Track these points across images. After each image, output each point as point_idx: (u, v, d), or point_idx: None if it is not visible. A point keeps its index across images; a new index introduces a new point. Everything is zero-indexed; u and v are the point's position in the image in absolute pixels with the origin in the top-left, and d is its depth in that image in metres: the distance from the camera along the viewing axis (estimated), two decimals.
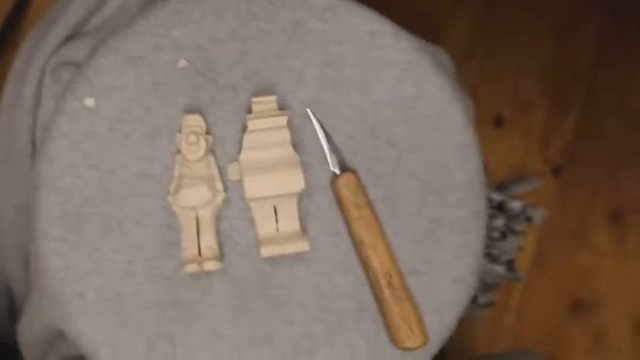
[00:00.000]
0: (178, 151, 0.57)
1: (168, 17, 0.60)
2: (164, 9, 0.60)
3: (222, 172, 0.58)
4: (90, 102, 0.59)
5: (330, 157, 0.59)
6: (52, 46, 0.70)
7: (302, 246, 0.56)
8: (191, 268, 0.55)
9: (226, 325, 0.57)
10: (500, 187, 1.11)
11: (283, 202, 0.57)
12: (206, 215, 0.56)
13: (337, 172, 0.58)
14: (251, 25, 0.61)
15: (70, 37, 0.71)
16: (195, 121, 0.57)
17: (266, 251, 0.56)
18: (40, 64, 0.69)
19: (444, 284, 0.59)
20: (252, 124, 0.57)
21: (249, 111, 0.59)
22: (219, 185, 0.57)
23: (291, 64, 0.60)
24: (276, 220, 0.57)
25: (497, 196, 1.06)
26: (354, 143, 0.60)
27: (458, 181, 0.60)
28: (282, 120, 0.57)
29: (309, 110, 0.59)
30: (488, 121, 1.17)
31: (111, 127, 0.58)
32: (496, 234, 1.05)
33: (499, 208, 1.07)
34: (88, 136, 0.58)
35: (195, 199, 0.56)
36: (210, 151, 0.58)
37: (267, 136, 0.57)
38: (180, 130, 0.58)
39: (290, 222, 0.57)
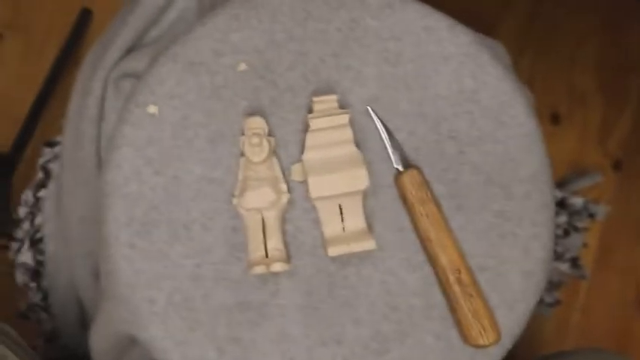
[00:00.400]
0: (242, 154, 0.57)
1: (226, 22, 0.61)
2: (222, 14, 0.61)
3: (285, 174, 0.58)
4: (152, 109, 0.59)
5: (393, 154, 0.58)
6: (114, 59, 0.71)
7: (369, 244, 0.56)
8: (259, 269, 0.55)
9: (295, 327, 0.56)
10: (561, 184, 1.09)
11: (348, 200, 0.57)
12: (271, 217, 0.56)
13: (401, 168, 0.58)
14: (308, 26, 0.61)
15: (130, 50, 0.73)
16: (257, 123, 0.57)
17: (333, 251, 0.55)
18: (102, 77, 0.71)
19: (513, 279, 0.58)
20: (314, 124, 0.57)
21: (310, 111, 0.58)
22: (284, 187, 0.57)
23: (350, 62, 0.60)
24: (342, 219, 0.57)
25: (558, 193, 1.04)
26: (415, 139, 0.59)
27: (523, 172, 0.59)
28: (344, 118, 0.57)
29: (369, 108, 0.59)
30: (545, 118, 1.15)
31: (174, 132, 0.59)
32: (559, 231, 1.03)
33: (561, 205, 1.05)
34: (152, 143, 0.59)
35: (261, 201, 0.56)
36: (273, 152, 0.58)
37: (329, 135, 0.57)
38: (242, 133, 0.58)
39: (356, 220, 0.57)
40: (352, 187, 0.56)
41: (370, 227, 0.58)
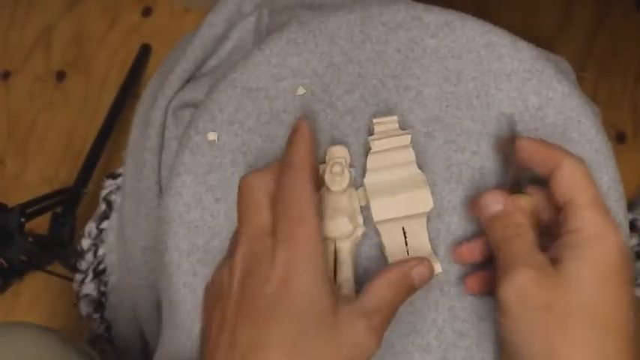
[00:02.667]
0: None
1: (284, 47, 0.61)
2: (279, 39, 0.61)
3: (362, 207, 0.57)
4: (212, 136, 0.59)
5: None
6: (173, 89, 0.72)
7: (434, 268, 0.54)
8: None
9: None
10: (630, 205, 1.05)
11: (412, 223, 0.55)
12: (345, 247, 0.54)
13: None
14: (366, 48, 0.60)
15: (189, 80, 0.73)
16: (340, 152, 0.57)
17: None
18: (162, 106, 0.71)
19: None
20: (375, 145, 0.56)
21: (371, 133, 0.57)
22: (360, 219, 0.56)
23: (409, 83, 0.59)
24: (406, 243, 0.55)
25: (628, 215, 1.01)
26: (479, 159, 0.58)
27: None
28: (406, 139, 0.56)
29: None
30: (610, 138, 1.11)
31: (234, 159, 0.59)
32: (630, 254, 0.99)
33: (630, 227, 1.01)
34: (212, 170, 0.59)
35: (337, 231, 0.54)
36: (353, 183, 0.57)
37: (390, 157, 0.56)
38: (324, 161, 0.57)
39: (420, 243, 0.55)
40: (416, 210, 0.54)
41: (435, 250, 0.56)
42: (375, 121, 0.57)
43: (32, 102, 1.37)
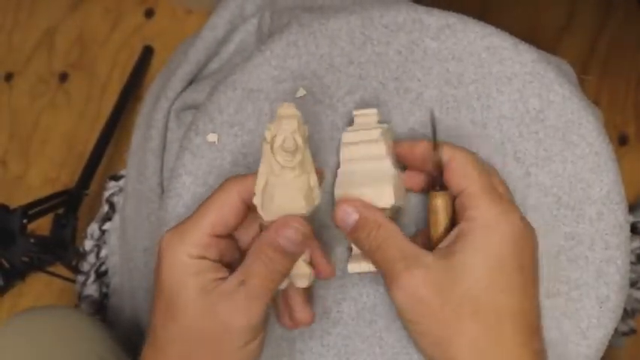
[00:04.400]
0: None
1: (284, 48, 0.61)
2: (279, 41, 0.61)
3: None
4: (212, 137, 0.59)
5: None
6: (175, 90, 0.72)
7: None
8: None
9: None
10: (632, 208, 1.05)
11: None
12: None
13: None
14: (367, 50, 0.60)
15: (191, 82, 0.73)
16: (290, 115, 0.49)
17: (352, 267, 0.52)
18: (164, 108, 0.72)
19: (587, 305, 0.55)
20: (346, 137, 0.55)
21: (351, 124, 0.56)
22: (317, 192, 0.53)
23: (410, 85, 0.59)
24: None
25: (629, 217, 1.00)
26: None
27: (594, 193, 0.57)
28: (376, 133, 0.54)
29: (432, 111, 0.55)
30: (613, 140, 1.11)
31: (233, 160, 0.59)
32: (632, 257, 0.99)
33: (633, 229, 1.01)
34: (212, 171, 0.59)
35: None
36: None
37: (363, 150, 0.54)
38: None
39: None
40: (376, 204, 0.51)
41: None
42: (355, 112, 0.56)
43: (35, 103, 1.37)
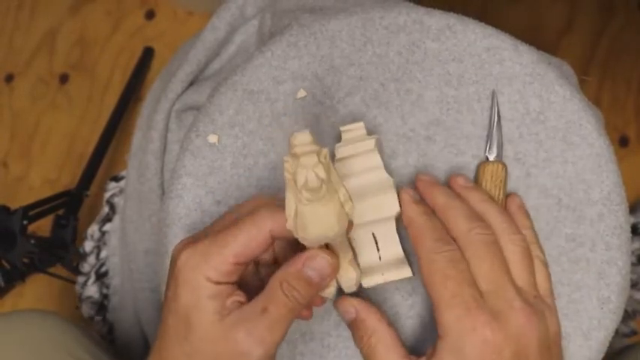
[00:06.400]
0: None
1: (284, 50, 0.61)
2: (280, 42, 0.61)
3: None
4: (213, 139, 0.59)
5: (491, 142, 0.58)
6: (176, 92, 0.72)
7: (405, 272, 0.52)
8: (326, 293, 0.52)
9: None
10: (632, 209, 1.04)
11: (381, 227, 0.53)
12: (335, 246, 0.54)
13: (491, 158, 0.57)
14: (367, 51, 0.60)
15: (192, 83, 0.73)
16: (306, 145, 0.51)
17: (367, 281, 0.52)
18: (165, 109, 0.72)
19: (588, 306, 0.55)
20: (339, 152, 0.55)
21: (339, 141, 0.56)
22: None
23: (410, 86, 0.59)
24: (378, 248, 0.53)
25: (629, 219, 1.00)
26: (480, 162, 0.58)
27: (595, 194, 0.57)
28: (370, 144, 0.54)
29: (494, 92, 0.59)
30: (613, 141, 1.11)
31: (234, 161, 0.59)
32: (633, 258, 0.99)
33: (633, 231, 1.01)
34: (213, 172, 0.59)
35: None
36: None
37: (357, 163, 0.54)
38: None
39: (392, 247, 0.53)
40: (383, 214, 0.53)
41: (408, 255, 0.54)
42: (342, 129, 0.56)
43: (35, 104, 1.37)
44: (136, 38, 1.38)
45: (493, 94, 0.58)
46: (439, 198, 0.52)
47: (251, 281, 0.50)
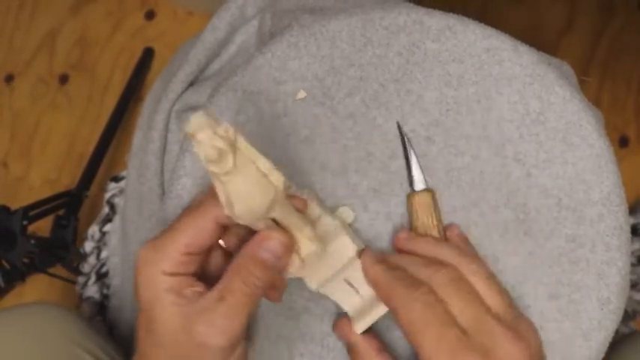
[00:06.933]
0: None
1: (285, 50, 0.61)
2: (280, 43, 0.61)
3: None
4: None
5: (412, 174, 0.57)
6: (176, 92, 0.72)
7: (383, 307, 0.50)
8: None
9: None
10: (632, 210, 1.04)
11: (350, 271, 0.51)
12: (285, 223, 0.49)
13: (415, 189, 0.57)
14: (367, 52, 0.60)
15: (192, 83, 0.73)
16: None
17: (358, 327, 0.51)
18: (165, 110, 0.72)
19: (588, 307, 0.56)
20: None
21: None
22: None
23: (410, 87, 0.59)
24: (356, 291, 0.51)
25: (630, 219, 1.00)
26: (480, 163, 0.58)
27: (595, 194, 0.57)
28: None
29: (398, 123, 0.58)
30: (613, 142, 1.11)
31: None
32: (632, 259, 0.99)
33: (632, 232, 1.01)
34: None
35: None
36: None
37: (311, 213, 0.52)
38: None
39: (367, 285, 0.51)
40: (344, 258, 0.51)
41: None
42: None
43: (35, 105, 1.37)
44: (136, 38, 1.37)
45: (398, 126, 0.58)
46: (394, 260, 0.51)
47: (216, 273, 0.49)
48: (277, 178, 0.43)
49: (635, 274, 1.00)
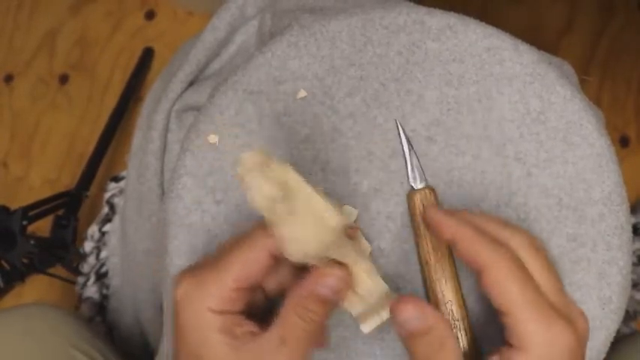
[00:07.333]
0: None
1: (285, 50, 0.61)
2: (280, 42, 0.61)
3: None
4: (213, 139, 0.59)
5: (411, 171, 0.56)
6: (176, 92, 0.72)
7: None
8: None
9: None
10: (633, 209, 1.04)
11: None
12: (340, 258, 0.48)
13: (415, 187, 0.56)
14: (367, 51, 0.60)
15: (192, 83, 0.73)
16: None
17: (365, 328, 0.48)
18: (165, 110, 0.72)
19: (589, 306, 0.55)
20: None
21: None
22: None
23: (410, 86, 0.59)
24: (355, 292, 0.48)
25: (630, 219, 1.00)
26: (480, 162, 0.58)
27: (595, 194, 0.57)
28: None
29: (396, 121, 0.58)
30: (614, 141, 1.11)
31: (234, 161, 0.59)
32: (633, 259, 0.99)
33: (633, 231, 1.00)
34: (213, 172, 0.59)
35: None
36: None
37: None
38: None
39: (373, 286, 0.47)
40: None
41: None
42: None
43: (35, 105, 1.37)
44: (136, 38, 1.37)
45: (397, 123, 0.58)
46: (469, 218, 0.48)
47: (261, 313, 0.47)
48: (334, 219, 0.41)
49: (636, 274, 1.00)
